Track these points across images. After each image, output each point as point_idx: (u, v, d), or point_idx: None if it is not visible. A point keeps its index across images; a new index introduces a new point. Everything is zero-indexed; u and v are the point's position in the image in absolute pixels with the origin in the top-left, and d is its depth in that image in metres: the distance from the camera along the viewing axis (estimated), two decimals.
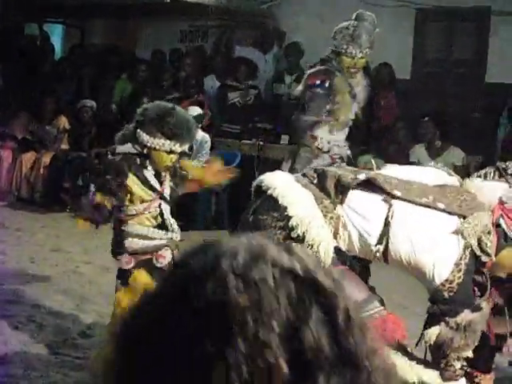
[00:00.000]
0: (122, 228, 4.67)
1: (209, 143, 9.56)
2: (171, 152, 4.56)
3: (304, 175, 3.67)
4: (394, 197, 3.42)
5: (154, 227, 4.67)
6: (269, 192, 3.56)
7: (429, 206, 3.38)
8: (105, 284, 6.28)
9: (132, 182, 4.56)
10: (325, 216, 3.42)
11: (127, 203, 4.59)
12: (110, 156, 4.63)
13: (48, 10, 13.22)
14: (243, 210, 9.18)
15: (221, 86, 11.00)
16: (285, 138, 9.86)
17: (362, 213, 3.47)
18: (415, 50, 10.68)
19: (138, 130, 4.54)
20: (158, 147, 4.52)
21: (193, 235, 9.16)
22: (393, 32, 10.34)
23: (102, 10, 12.68)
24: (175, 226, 4.75)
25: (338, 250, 3.43)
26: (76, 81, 12.43)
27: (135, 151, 4.58)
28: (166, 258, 4.66)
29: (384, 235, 3.38)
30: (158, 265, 4.64)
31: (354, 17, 6.44)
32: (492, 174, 3.78)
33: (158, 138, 4.50)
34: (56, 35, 14.67)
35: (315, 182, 3.56)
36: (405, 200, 3.41)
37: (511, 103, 9.54)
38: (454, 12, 10.34)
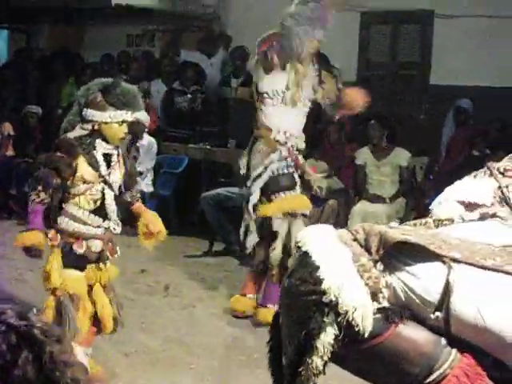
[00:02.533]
0: (61, 205, 4.63)
1: (155, 148, 9.54)
2: (123, 122, 4.55)
3: (349, 230, 3.24)
4: (453, 260, 3.01)
5: (92, 212, 4.61)
6: (303, 249, 3.14)
7: (496, 270, 2.99)
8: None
9: (80, 161, 4.52)
10: (361, 276, 3.01)
11: (69, 183, 4.55)
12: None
13: None
14: (190, 214, 9.22)
15: (168, 91, 10.98)
16: (232, 142, 9.86)
17: (414, 272, 3.05)
18: (360, 53, 10.76)
19: (85, 109, 4.51)
20: (109, 120, 4.50)
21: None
22: (338, 35, 10.39)
23: (48, 14, 12.57)
24: (115, 217, 4.68)
25: (385, 309, 3.02)
26: (21, 86, 12.29)
27: (85, 132, 4.54)
28: (83, 246, 4.60)
29: (444, 302, 2.98)
30: (76, 250, 4.60)
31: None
32: (482, 174, 3.53)
33: (108, 111, 4.48)
34: (1, 40, 14.51)
35: (359, 237, 3.14)
36: (467, 263, 3.01)
37: (457, 104, 9.65)
38: (398, 15, 10.44)
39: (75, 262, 4.61)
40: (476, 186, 3.49)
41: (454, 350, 2.99)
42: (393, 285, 3.04)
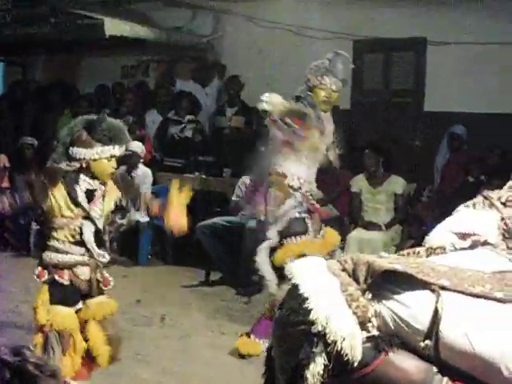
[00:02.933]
0: (44, 240, 4.66)
1: (150, 178, 9.56)
2: (111, 157, 4.54)
3: (338, 261, 3.23)
4: (442, 287, 3.00)
5: (74, 243, 4.59)
6: (292, 281, 3.14)
7: (485, 297, 2.97)
8: None
9: (58, 192, 4.49)
10: (349, 305, 3.01)
11: (50, 214, 4.53)
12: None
13: None
14: (187, 244, 9.21)
15: (163, 121, 11.03)
16: (227, 171, 9.90)
17: (402, 300, 3.04)
18: (354, 81, 10.79)
19: (72, 148, 4.48)
20: (97, 156, 4.48)
21: (137, 271, 9.16)
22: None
23: (43, 47, 12.64)
24: (95, 250, 4.62)
25: (374, 338, 3.01)
26: (17, 118, 12.35)
27: (71, 169, 4.52)
28: (66, 276, 4.58)
29: (433, 329, 2.96)
30: (59, 281, 4.58)
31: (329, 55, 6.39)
32: (482, 204, 3.48)
33: (96, 147, 4.47)
34: None
35: (347, 266, 3.14)
36: (456, 291, 3.00)
37: (450, 130, 9.70)
38: (391, 43, 10.51)
39: (64, 295, 4.58)
40: (478, 218, 3.45)
41: (446, 378, 2.97)
42: (382, 313, 3.03)
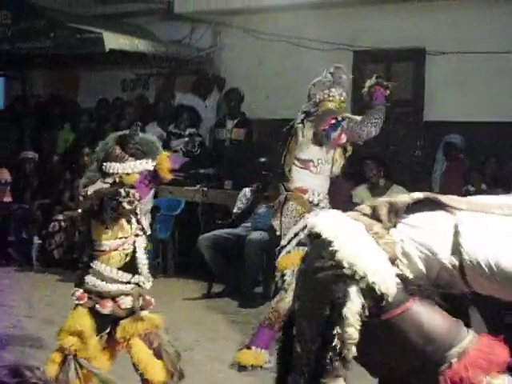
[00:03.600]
0: (89, 263, 4.54)
1: (152, 191, 9.53)
2: (145, 171, 4.51)
3: (355, 209, 3.30)
4: (461, 209, 3.05)
5: (121, 267, 4.51)
6: (315, 230, 3.16)
7: (505, 215, 3.03)
8: (46, 338, 6.20)
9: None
10: (377, 242, 3.03)
11: (100, 237, 4.46)
12: (82, 199, 4.49)
13: None
14: (189, 256, 9.21)
15: (166, 134, 11.01)
16: (228, 183, 9.89)
17: (425, 229, 3.06)
18: (354, 92, 10.80)
19: (105, 163, 4.48)
20: (130, 171, 4.47)
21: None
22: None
23: (43, 61, 12.65)
24: (145, 269, 4.58)
25: (405, 278, 3.03)
26: (17, 132, 12.36)
27: (113, 189, 4.43)
28: (109, 306, 4.49)
29: (456, 247, 3.00)
30: (100, 311, 4.49)
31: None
32: None
33: (129, 161, 4.47)
34: None
35: (366, 211, 3.19)
36: (472, 210, 3.06)
37: (446, 140, 9.69)
38: (390, 53, 10.51)
39: (97, 323, 4.50)
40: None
41: (472, 331, 3.01)
42: (408, 251, 3.05)
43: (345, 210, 9.13)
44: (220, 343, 6.79)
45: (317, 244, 3.12)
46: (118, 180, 4.49)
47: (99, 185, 4.49)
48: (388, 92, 6.30)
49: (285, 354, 3.29)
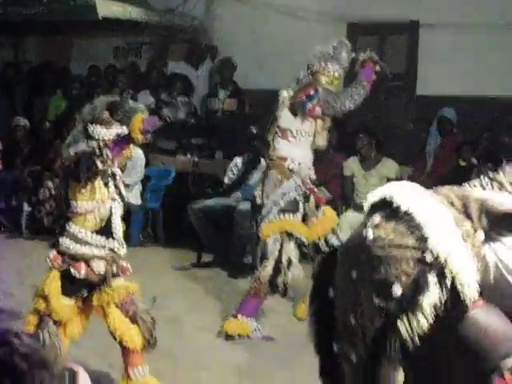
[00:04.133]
0: (65, 225, 4.55)
1: (143, 160, 9.52)
2: None
3: (440, 193, 3.09)
4: None
5: (96, 231, 4.51)
6: (397, 202, 3.01)
7: None
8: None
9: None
10: (465, 241, 2.90)
11: (77, 198, 4.46)
12: (65, 162, 4.49)
13: None
14: (179, 225, 9.21)
15: (155, 102, 10.98)
16: (219, 153, 9.89)
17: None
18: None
19: (91, 126, 4.44)
20: (116, 137, 4.45)
21: (129, 252, 9.12)
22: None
23: (36, 27, 12.57)
24: (120, 235, 4.57)
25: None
26: (9, 99, 12.29)
27: (89, 149, 4.42)
28: (82, 270, 4.48)
29: None
30: (75, 275, 4.49)
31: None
32: (490, 186, 3.23)
33: (115, 128, 4.44)
34: None
35: (455, 202, 3.02)
36: None
37: (440, 114, 9.69)
38: (384, 26, 10.48)
39: (71, 286, 4.51)
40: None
41: None
42: (486, 258, 2.93)
43: (336, 182, 9.15)
44: (209, 313, 6.81)
45: (398, 216, 2.96)
46: (102, 145, 4.46)
47: (82, 145, 4.47)
48: (378, 68, 6.30)
49: (321, 318, 3.22)
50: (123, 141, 4.48)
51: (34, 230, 9.82)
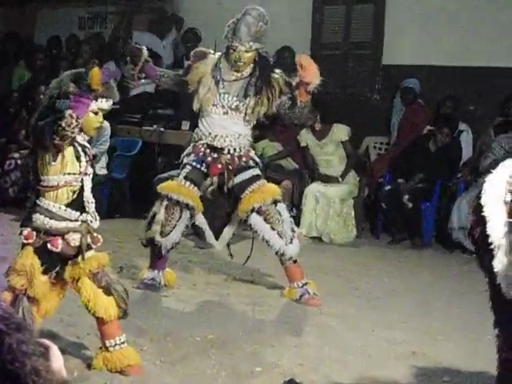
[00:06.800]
0: (36, 201, 4.51)
1: (109, 130, 9.45)
2: (98, 111, 4.51)
3: None
4: None
5: (68, 205, 4.46)
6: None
7: None
8: (1, 276, 6.16)
9: (67, 150, 4.39)
10: None
11: (48, 172, 4.40)
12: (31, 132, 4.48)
13: None
14: (145, 196, 9.17)
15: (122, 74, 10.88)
16: (185, 124, 9.84)
17: None
18: (313, 33, 10.78)
19: (59, 101, 4.39)
20: None
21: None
22: (290, 16, 10.44)
23: None
24: (92, 208, 4.52)
25: None
26: None
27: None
28: (59, 244, 4.45)
29: None
30: (52, 249, 4.45)
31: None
32: None
33: None
34: None
35: None
36: None
37: (404, 85, 9.72)
38: None
39: (46, 262, 4.48)
40: None
41: None
42: None
43: (299, 154, 9.12)
44: (176, 283, 6.82)
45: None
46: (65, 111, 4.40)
47: (49, 121, 4.36)
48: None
49: None
50: (85, 97, 4.43)
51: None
